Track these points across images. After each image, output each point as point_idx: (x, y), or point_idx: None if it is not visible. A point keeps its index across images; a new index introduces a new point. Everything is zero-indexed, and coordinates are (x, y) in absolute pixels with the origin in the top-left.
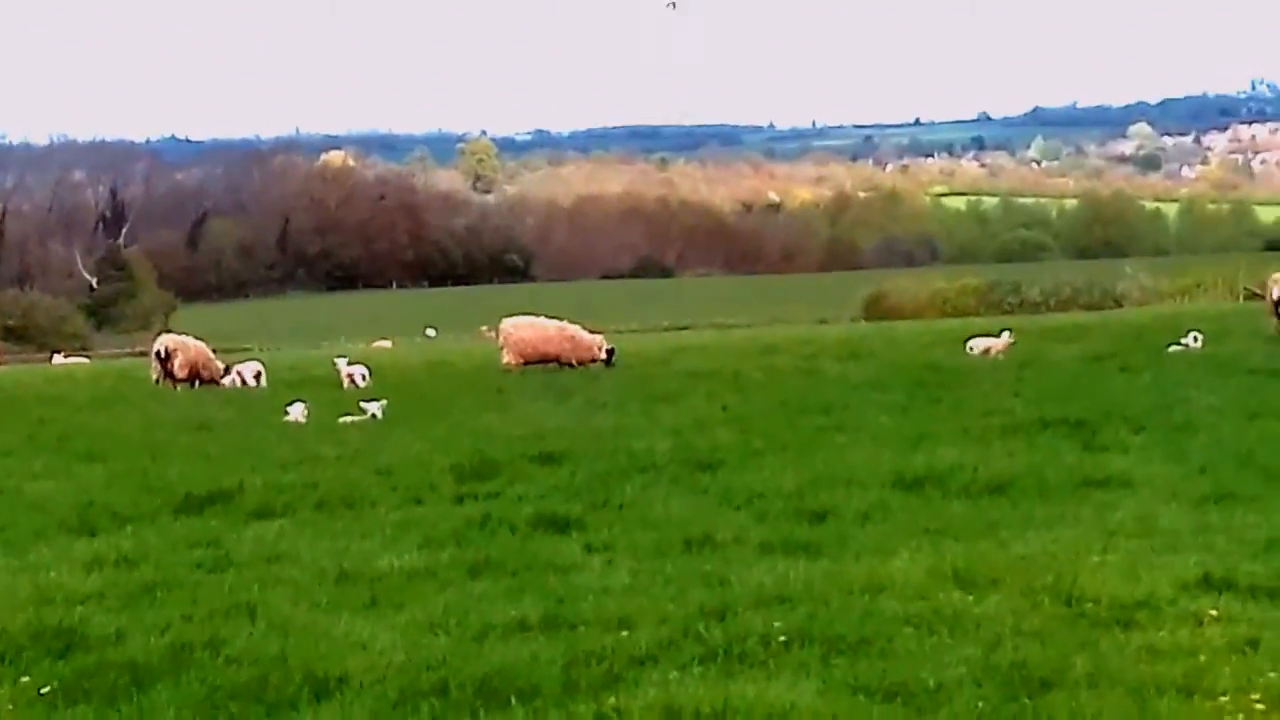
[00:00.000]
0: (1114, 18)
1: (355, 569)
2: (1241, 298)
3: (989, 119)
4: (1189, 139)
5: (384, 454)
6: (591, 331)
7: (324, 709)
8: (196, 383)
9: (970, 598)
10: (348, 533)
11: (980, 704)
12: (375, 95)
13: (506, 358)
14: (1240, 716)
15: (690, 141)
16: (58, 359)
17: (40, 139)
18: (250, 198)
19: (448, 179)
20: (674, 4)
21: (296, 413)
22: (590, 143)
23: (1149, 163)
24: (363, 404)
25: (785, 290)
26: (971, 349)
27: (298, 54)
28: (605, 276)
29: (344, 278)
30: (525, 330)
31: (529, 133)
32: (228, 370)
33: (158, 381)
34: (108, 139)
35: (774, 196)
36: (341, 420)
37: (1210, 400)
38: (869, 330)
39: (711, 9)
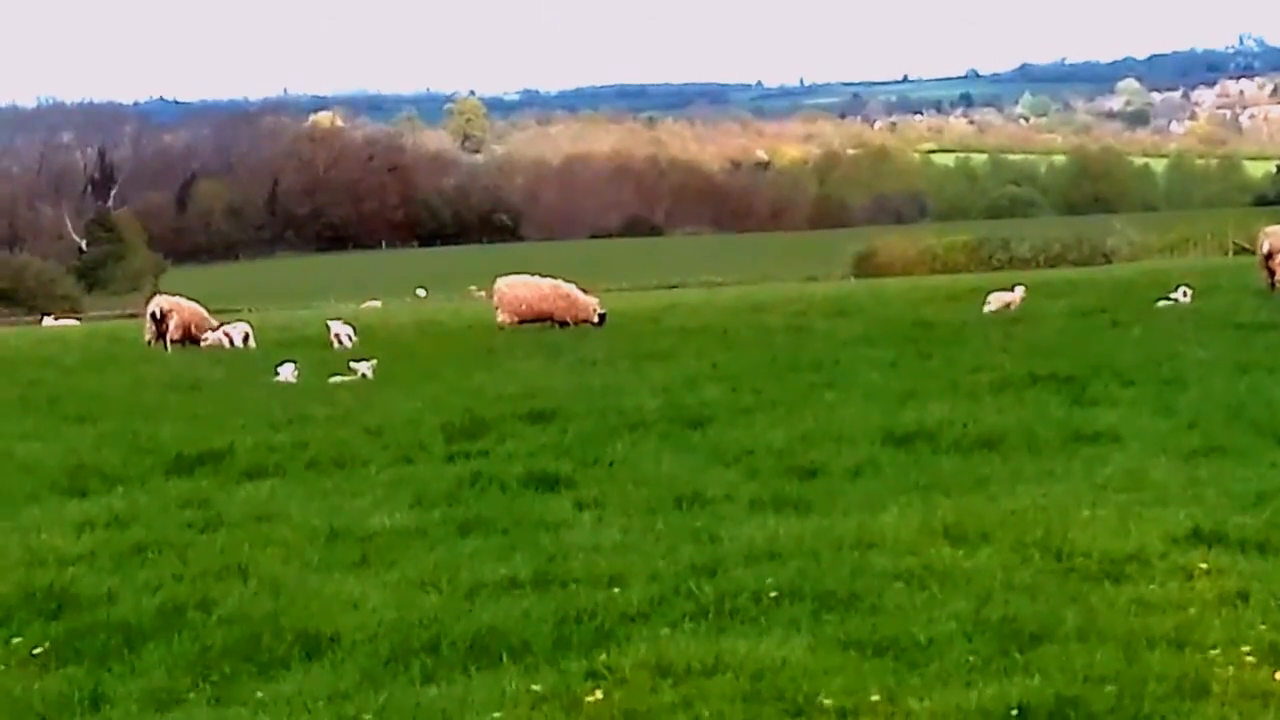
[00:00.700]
0: None
1: (346, 528)
2: (1231, 252)
3: (977, 76)
4: (1177, 94)
5: (374, 413)
6: (585, 292)
7: (316, 667)
8: (187, 344)
9: (960, 553)
10: (339, 492)
11: (971, 658)
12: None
13: (501, 316)
14: (1230, 669)
15: (679, 100)
16: (47, 321)
17: (28, 101)
18: (239, 159)
19: (436, 139)
20: None
21: (287, 373)
22: (579, 102)
23: (1137, 118)
24: (352, 364)
25: (774, 248)
26: (990, 304)
27: (286, 15)
28: (594, 235)
29: (333, 238)
30: (520, 289)
31: (517, 92)
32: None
33: (150, 343)
34: (96, 101)
35: (762, 154)
36: (332, 380)
37: (1200, 354)
38: (858, 287)
39: None
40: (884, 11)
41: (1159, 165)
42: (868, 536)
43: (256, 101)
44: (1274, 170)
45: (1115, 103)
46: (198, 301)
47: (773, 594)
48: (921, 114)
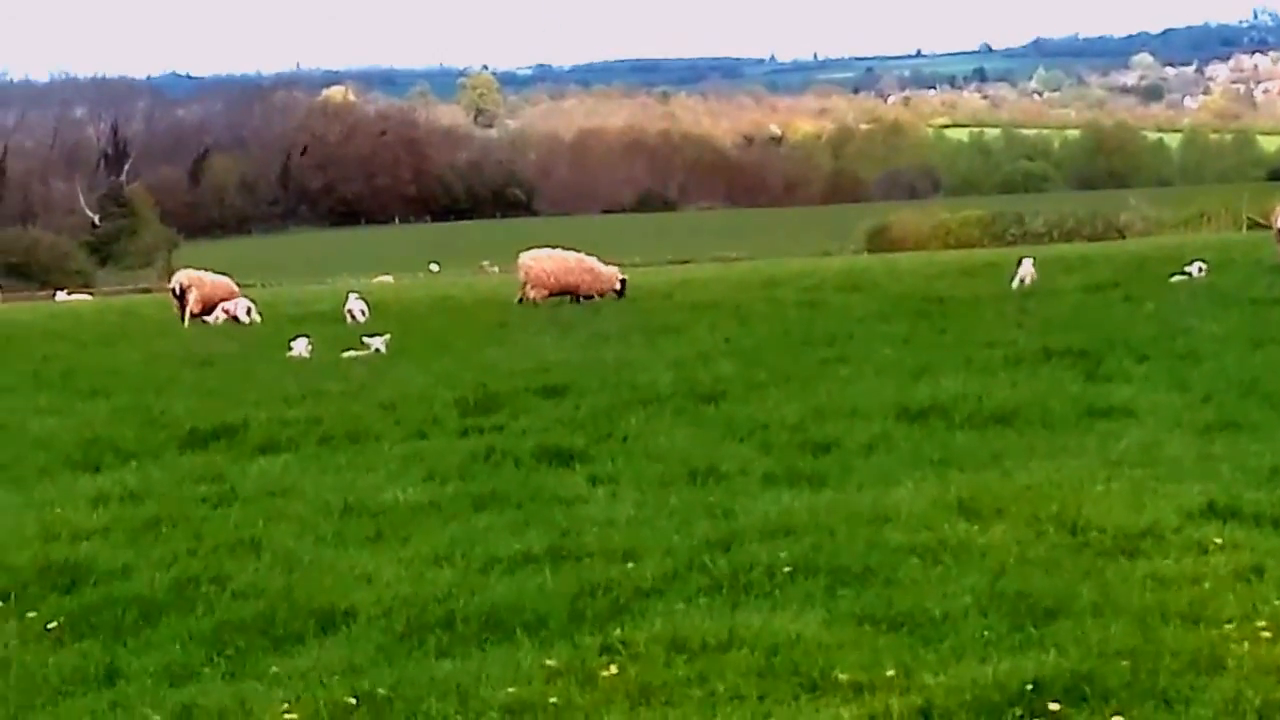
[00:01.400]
0: None
1: (360, 503)
2: (1245, 227)
3: (990, 50)
4: (1191, 69)
5: (388, 388)
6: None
7: (330, 642)
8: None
9: (975, 528)
10: (352, 467)
11: (986, 633)
12: (376, 30)
13: (529, 290)
14: (1245, 644)
15: (692, 75)
16: (61, 296)
17: (41, 76)
18: (251, 134)
19: (449, 114)
20: None
21: (300, 348)
22: (591, 76)
23: (1151, 93)
24: (365, 339)
25: (787, 223)
26: (1023, 280)
27: None
28: (607, 210)
29: (346, 213)
30: (546, 262)
31: (530, 67)
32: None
33: (183, 319)
34: (109, 75)
35: (776, 129)
36: (345, 355)
37: (1214, 329)
38: (871, 262)
39: None
40: None
41: (1173, 140)
42: (882, 511)
43: (269, 76)
44: None
45: (1129, 77)
46: (228, 275)
47: (787, 569)
48: (935, 88)
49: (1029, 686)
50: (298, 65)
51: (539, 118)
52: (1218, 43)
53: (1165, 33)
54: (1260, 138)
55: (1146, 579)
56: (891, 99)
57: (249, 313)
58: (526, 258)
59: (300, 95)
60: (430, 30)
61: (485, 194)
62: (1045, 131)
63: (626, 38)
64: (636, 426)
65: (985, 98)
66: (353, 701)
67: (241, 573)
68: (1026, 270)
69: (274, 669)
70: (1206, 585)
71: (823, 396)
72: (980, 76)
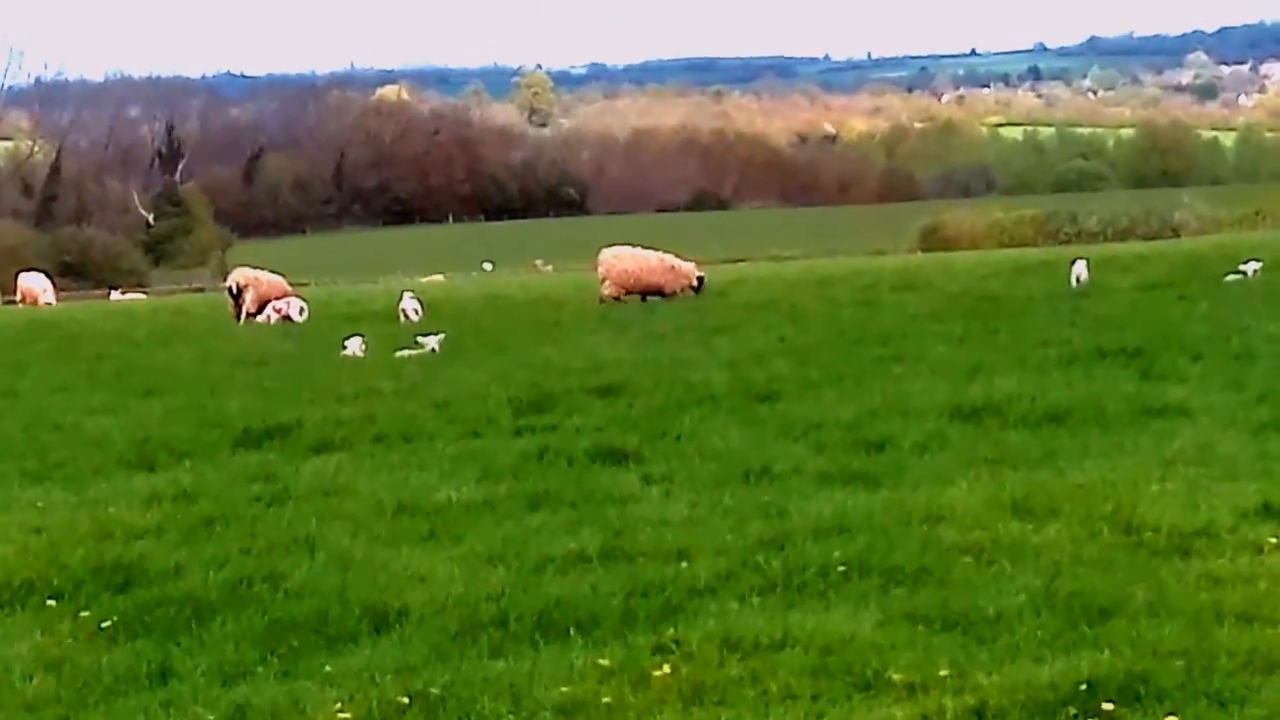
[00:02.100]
0: None
1: (414, 502)
2: None
3: (1045, 49)
4: (1246, 68)
5: (442, 387)
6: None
7: (384, 641)
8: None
9: (1029, 527)
10: (406, 466)
11: (1040, 633)
12: (430, 29)
13: (608, 289)
14: None
15: (746, 74)
16: (115, 295)
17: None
18: (305, 133)
19: (503, 113)
20: None
21: (354, 347)
22: (645, 75)
23: (1206, 92)
24: (420, 338)
25: (841, 222)
26: (1078, 279)
27: None
28: (661, 209)
29: (400, 212)
30: (627, 261)
31: (584, 66)
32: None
33: (239, 319)
34: (164, 75)
35: (829, 128)
36: (399, 354)
37: (1269, 328)
38: (925, 261)
39: None
40: None
41: (1228, 139)
42: (936, 511)
43: (323, 75)
44: None
45: (1184, 76)
46: (282, 274)
47: (841, 568)
48: (989, 87)
49: (1083, 686)
50: (352, 65)
51: (593, 117)
52: (1273, 41)
53: (1220, 31)
54: None
55: (1201, 579)
56: (946, 98)
57: (301, 312)
58: (608, 255)
59: (354, 95)
60: (485, 29)
61: (539, 193)
62: (1100, 130)
63: (681, 37)
64: (690, 426)
65: (1040, 96)
66: (406, 701)
67: (295, 572)
68: (1080, 270)
69: (327, 668)
70: (1261, 585)
71: (877, 396)
72: (1035, 75)
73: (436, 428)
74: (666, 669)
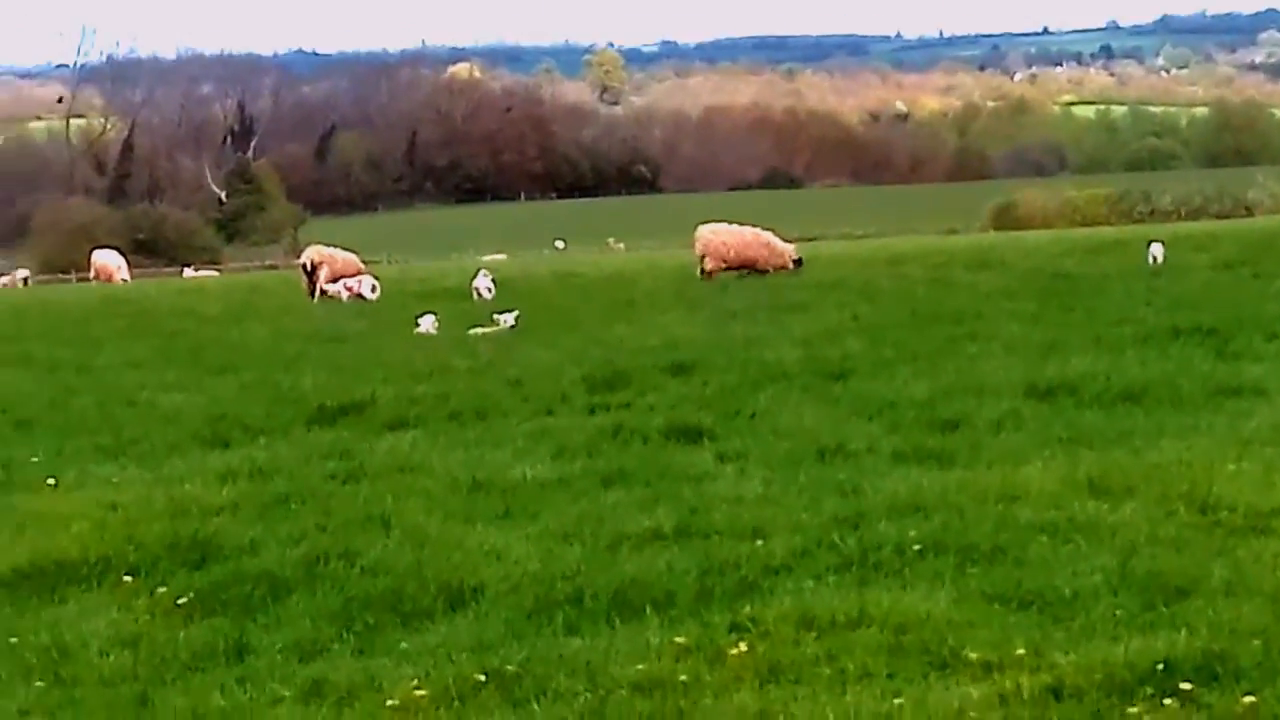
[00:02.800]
0: None
1: (488, 479)
2: None
3: (1117, 27)
4: None
5: (515, 365)
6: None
7: (459, 618)
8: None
9: (1105, 506)
10: (480, 443)
11: (1117, 612)
12: (501, 7)
13: (708, 263)
14: None
15: (817, 52)
16: (188, 272)
17: (169, 53)
18: (377, 111)
19: (574, 91)
20: None
21: (427, 324)
22: (717, 53)
23: (1279, 70)
24: (497, 315)
25: (913, 200)
26: (1155, 258)
27: None
28: (733, 188)
29: (472, 190)
30: (725, 235)
31: (655, 44)
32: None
33: (312, 296)
34: (235, 52)
35: (901, 106)
36: (471, 332)
37: None
38: (999, 239)
39: None
40: None
41: None
42: (1011, 489)
43: (395, 53)
44: None
45: (1257, 55)
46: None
47: (916, 547)
48: (1061, 66)
49: (1160, 666)
50: (423, 42)
51: (664, 95)
52: None
53: None
54: None
55: (1278, 558)
56: (1018, 76)
57: (373, 289)
58: (705, 231)
59: (426, 72)
60: (556, 6)
61: (610, 171)
62: (1172, 109)
63: (752, 14)
64: (764, 404)
65: (1112, 75)
66: (482, 678)
67: (370, 549)
68: (1157, 252)
69: (403, 645)
70: None
71: (951, 374)
72: (1107, 54)
73: (511, 405)
74: (742, 647)
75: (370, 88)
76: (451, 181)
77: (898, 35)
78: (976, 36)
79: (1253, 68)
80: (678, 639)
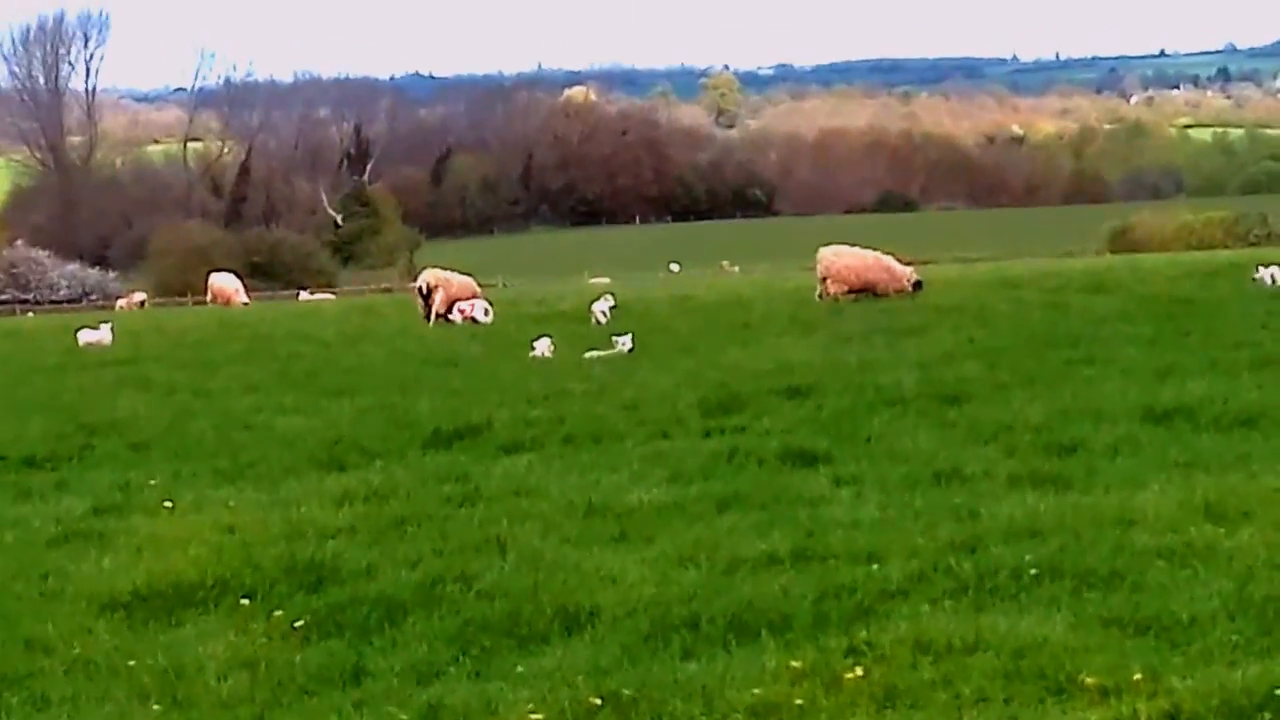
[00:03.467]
0: None
1: (604, 503)
2: None
3: (1235, 49)
4: None
5: (630, 389)
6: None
7: (575, 642)
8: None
9: (1222, 531)
10: (596, 467)
11: (1234, 637)
12: (618, 30)
13: (831, 286)
14: None
15: (933, 75)
16: (304, 295)
17: (286, 76)
18: (493, 134)
19: (690, 114)
20: None
21: (543, 348)
22: (832, 76)
23: None
24: (615, 338)
25: (1029, 223)
26: (1259, 277)
27: None
28: (848, 211)
29: (587, 213)
30: (848, 258)
31: (771, 67)
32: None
33: (428, 319)
34: (352, 76)
35: (1017, 129)
36: (587, 355)
37: None
38: (1115, 263)
39: None
40: None
41: None
42: (1128, 514)
43: (511, 76)
44: None
45: None
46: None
47: (1033, 571)
48: (1178, 88)
49: (1278, 692)
50: (539, 66)
51: (780, 118)
52: None
53: None
54: None
55: None
56: (1134, 99)
57: (486, 313)
58: (827, 253)
59: (542, 95)
60: (672, 30)
61: (725, 194)
62: None
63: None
64: (880, 428)
65: (1229, 97)
66: (598, 702)
67: (487, 572)
68: (1265, 273)
69: (519, 668)
70: None
71: (1067, 398)
72: (1224, 76)
73: (626, 429)
74: (859, 671)
75: (486, 111)
76: (567, 204)
77: (1013, 58)
78: (1093, 59)
79: None
80: (794, 663)
